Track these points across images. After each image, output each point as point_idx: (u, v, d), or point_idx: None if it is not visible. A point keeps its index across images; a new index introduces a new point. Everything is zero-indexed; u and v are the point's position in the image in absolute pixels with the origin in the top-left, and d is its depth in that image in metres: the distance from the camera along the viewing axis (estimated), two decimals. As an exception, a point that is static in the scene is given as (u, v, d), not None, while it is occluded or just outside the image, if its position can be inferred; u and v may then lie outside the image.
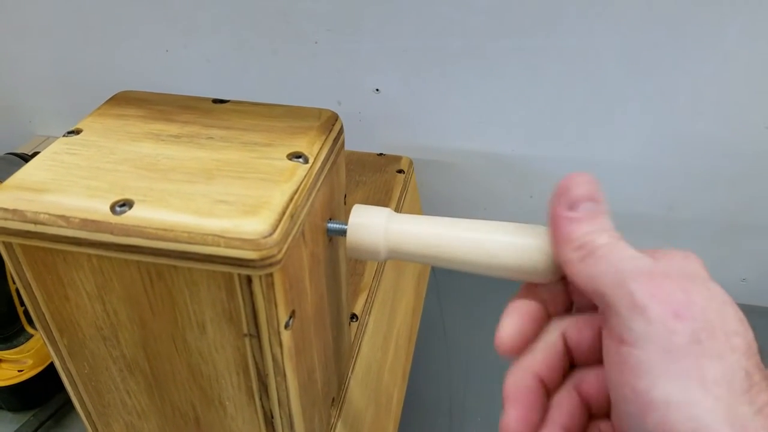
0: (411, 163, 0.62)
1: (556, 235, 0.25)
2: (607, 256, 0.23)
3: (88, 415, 0.33)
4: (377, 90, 0.64)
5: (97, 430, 0.34)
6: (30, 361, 0.53)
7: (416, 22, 0.58)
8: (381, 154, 0.62)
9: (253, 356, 0.28)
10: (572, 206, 0.25)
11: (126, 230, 0.25)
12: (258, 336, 0.27)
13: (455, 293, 0.70)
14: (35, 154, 0.57)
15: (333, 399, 0.39)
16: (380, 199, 0.56)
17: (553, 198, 0.25)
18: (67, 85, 0.72)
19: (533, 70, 0.59)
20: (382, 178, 0.58)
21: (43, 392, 0.55)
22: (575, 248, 0.24)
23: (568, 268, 0.24)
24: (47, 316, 0.29)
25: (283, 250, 0.25)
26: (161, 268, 0.26)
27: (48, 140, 0.73)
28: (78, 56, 0.69)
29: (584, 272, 0.24)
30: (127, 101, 0.33)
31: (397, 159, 0.61)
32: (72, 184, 0.27)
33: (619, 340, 0.22)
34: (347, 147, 0.63)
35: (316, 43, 0.62)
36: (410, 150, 0.65)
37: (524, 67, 0.59)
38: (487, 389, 0.60)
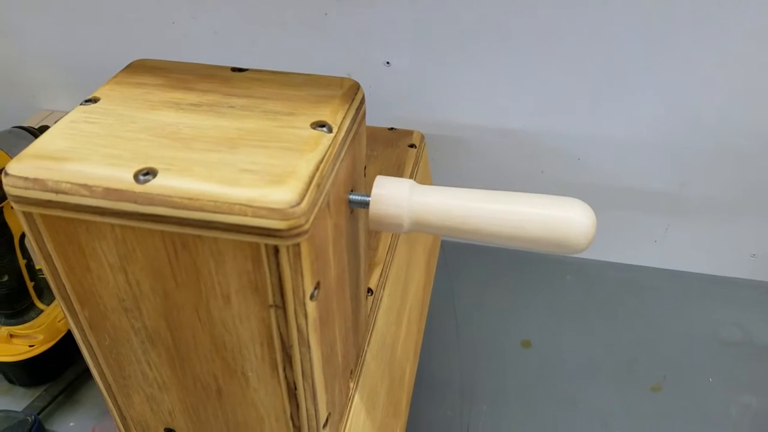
0: (422, 137, 0.61)
1: None
2: None
3: (108, 387, 0.33)
4: (388, 63, 0.63)
5: (117, 402, 0.33)
6: (41, 336, 0.53)
7: (428, -6, 0.57)
8: (392, 129, 0.61)
9: (278, 327, 0.27)
10: None
11: (150, 199, 0.24)
12: (283, 307, 0.26)
13: (465, 270, 0.70)
14: (42, 128, 0.57)
15: (351, 371, 0.38)
16: (392, 173, 0.55)
17: None
18: (72, 58, 0.70)
19: (546, 44, 0.58)
20: (394, 152, 0.58)
21: (54, 367, 0.55)
22: None
23: None
24: (68, 287, 0.29)
25: (311, 220, 0.25)
26: (186, 238, 0.25)
27: (53, 114, 0.72)
28: (83, 29, 0.68)
29: None
30: (144, 69, 0.33)
31: (409, 133, 0.61)
32: (93, 152, 0.26)
33: None
34: (358, 121, 0.62)
35: (326, 14, 0.61)
36: (421, 124, 0.64)
37: (537, 42, 0.58)
38: (497, 365, 0.60)
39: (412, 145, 0.59)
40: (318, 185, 0.25)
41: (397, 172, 0.55)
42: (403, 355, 0.51)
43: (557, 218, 0.28)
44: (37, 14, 0.68)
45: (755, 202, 0.64)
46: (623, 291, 0.67)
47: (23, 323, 0.53)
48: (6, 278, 0.51)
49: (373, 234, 0.48)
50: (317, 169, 0.26)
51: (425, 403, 0.56)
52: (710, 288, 0.68)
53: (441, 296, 0.66)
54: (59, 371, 0.55)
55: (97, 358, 0.32)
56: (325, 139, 0.27)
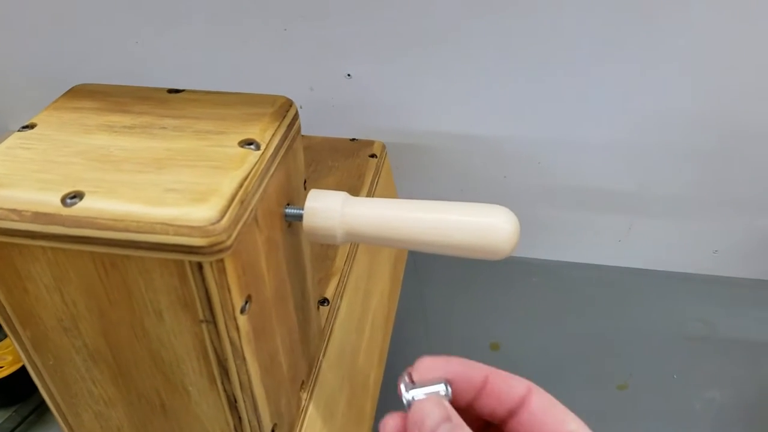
0: (384, 147, 0.62)
1: None
2: None
3: (57, 406, 0.34)
4: (349, 75, 0.64)
5: (67, 420, 0.34)
6: (10, 358, 0.54)
7: (387, 5, 0.58)
8: (353, 140, 0.62)
9: (211, 341, 0.28)
10: None
11: (77, 221, 0.25)
12: (214, 321, 0.27)
13: (434, 275, 0.70)
14: None
15: (302, 382, 0.39)
16: (353, 184, 0.56)
17: None
18: (40, 78, 0.71)
19: (505, 50, 0.59)
20: (355, 162, 0.59)
21: (24, 388, 0.55)
22: None
23: None
24: (8, 309, 0.30)
25: (233, 236, 0.25)
26: (114, 258, 0.26)
27: (21, 136, 0.73)
28: (50, 49, 0.68)
29: None
30: (84, 94, 0.33)
31: (370, 143, 0.62)
32: (24, 178, 0.27)
33: None
34: (319, 133, 0.63)
35: (285, 30, 0.62)
36: (384, 134, 0.65)
37: (496, 48, 0.59)
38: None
39: (373, 155, 0.60)
40: (242, 201, 0.26)
41: (358, 182, 0.56)
42: (366, 362, 0.51)
43: (481, 225, 0.29)
44: (4, 34, 0.68)
45: (716, 199, 0.65)
46: (589, 291, 0.68)
47: (-9, 345, 0.53)
48: (-30, 301, 0.51)
49: (331, 245, 0.49)
50: (241, 186, 0.27)
51: (395, 409, 0.57)
52: (675, 285, 0.69)
53: (410, 301, 0.67)
54: (29, 392, 0.55)
55: (43, 377, 0.32)
56: (252, 156, 0.28)
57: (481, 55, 0.60)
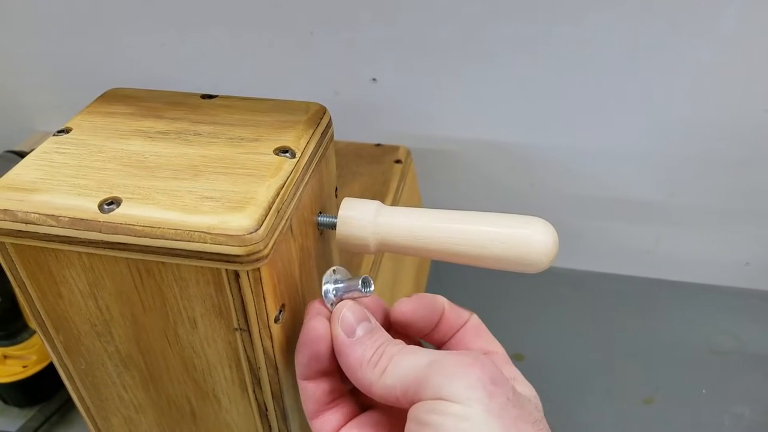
0: (409, 152, 0.62)
1: (350, 363, 0.26)
2: (405, 358, 0.25)
3: (87, 410, 0.34)
4: (374, 80, 0.63)
5: (96, 424, 0.34)
6: (34, 357, 0.54)
7: (412, 10, 0.58)
8: (378, 145, 0.62)
9: (245, 350, 0.28)
10: (350, 333, 0.27)
11: (114, 228, 0.25)
12: (248, 330, 0.27)
13: (458, 284, 0.70)
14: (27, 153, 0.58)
15: (330, 390, 0.39)
16: (377, 190, 0.56)
17: (333, 334, 0.27)
18: (66, 80, 0.72)
19: (531, 57, 0.58)
20: (380, 168, 0.58)
21: (47, 387, 0.56)
22: (372, 366, 0.26)
23: (373, 388, 0.25)
24: (42, 313, 0.30)
25: (270, 245, 0.25)
26: (150, 265, 0.26)
27: (45, 136, 0.73)
28: (76, 51, 0.69)
29: (388, 382, 0.25)
30: (117, 99, 0.34)
31: (395, 149, 0.61)
32: (61, 183, 0.27)
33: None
34: (344, 138, 0.63)
35: (311, 33, 0.62)
36: (409, 139, 0.64)
37: (522, 55, 0.58)
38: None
39: (398, 161, 0.59)
40: (278, 210, 0.26)
41: (383, 188, 0.56)
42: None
43: (518, 236, 0.28)
44: (31, 37, 0.69)
45: (747, 210, 0.64)
46: (616, 302, 0.67)
47: (16, 344, 0.54)
48: (-1, 300, 0.52)
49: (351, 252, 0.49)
50: (277, 194, 0.26)
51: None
52: (704, 297, 0.67)
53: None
54: (52, 391, 0.56)
55: (74, 381, 0.32)
56: (287, 164, 0.28)
57: (507, 62, 0.59)
